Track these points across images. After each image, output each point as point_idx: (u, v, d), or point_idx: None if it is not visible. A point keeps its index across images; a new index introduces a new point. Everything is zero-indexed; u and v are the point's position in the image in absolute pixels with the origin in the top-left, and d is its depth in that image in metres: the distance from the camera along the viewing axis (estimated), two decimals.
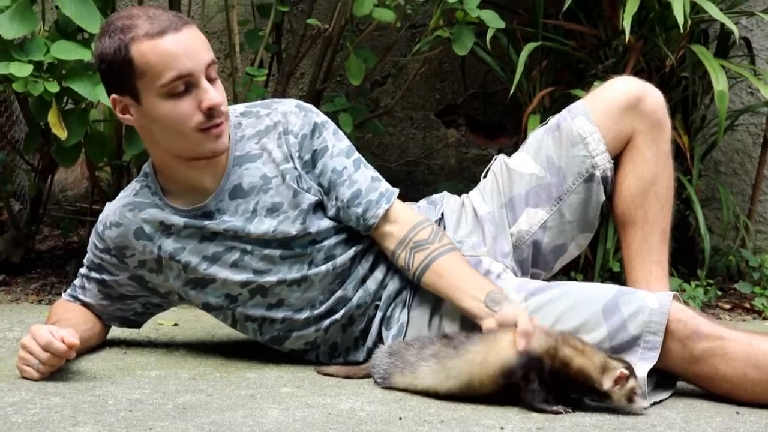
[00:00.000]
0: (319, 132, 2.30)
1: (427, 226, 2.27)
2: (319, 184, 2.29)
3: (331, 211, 2.30)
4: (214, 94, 2.15)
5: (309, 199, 2.27)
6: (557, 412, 1.94)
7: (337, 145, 2.31)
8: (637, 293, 2.11)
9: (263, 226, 2.26)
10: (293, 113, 2.31)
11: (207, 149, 2.20)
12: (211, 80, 2.17)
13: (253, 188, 2.28)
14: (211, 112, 2.16)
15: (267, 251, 2.27)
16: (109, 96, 2.22)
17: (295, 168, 2.28)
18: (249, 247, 2.27)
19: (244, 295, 2.29)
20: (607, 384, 1.94)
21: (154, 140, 2.24)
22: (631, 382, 1.94)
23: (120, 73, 2.16)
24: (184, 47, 2.13)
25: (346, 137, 2.36)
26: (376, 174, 2.35)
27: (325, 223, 2.29)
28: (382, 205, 2.27)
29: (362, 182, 2.29)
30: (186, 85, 2.14)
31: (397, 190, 2.33)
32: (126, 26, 2.14)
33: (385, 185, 2.32)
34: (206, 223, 2.27)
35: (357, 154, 2.34)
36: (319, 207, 2.30)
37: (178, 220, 2.27)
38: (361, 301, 2.30)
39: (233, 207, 2.28)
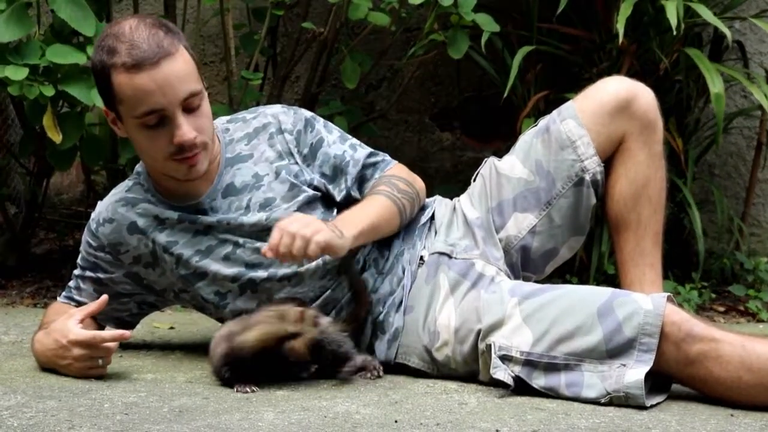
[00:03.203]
0: (311, 126, 2.38)
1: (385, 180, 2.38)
2: (323, 174, 2.35)
3: (341, 195, 2.37)
4: (186, 129, 2.17)
5: (306, 192, 2.31)
6: (246, 392, 2.10)
7: (330, 136, 2.39)
8: (631, 295, 2.11)
9: (255, 218, 2.29)
10: (283, 113, 2.38)
11: (179, 174, 2.26)
12: (191, 110, 2.19)
13: (246, 186, 2.31)
14: (182, 146, 2.19)
15: (259, 244, 2.28)
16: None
17: (296, 163, 2.33)
18: (241, 240, 2.29)
19: (234, 291, 2.30)
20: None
21: (137, 151, 2.32)
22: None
23: (105, 91, 2.23)
24: (159, 84, 2.15)
25: (336, 126, 2.46)
26: (368, 150, 2.43)
27: (316, 216, 2.31)
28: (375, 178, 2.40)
29: (362, 162, 2.39)
30: (160, 118, 2.18)
31: (391, 164, 2.43)
32: (111, 49, 2.17)
33: (379, 158, 2.42)
34: (200, 217, 2.29)
35: (349, 140, 2.43)
36: (316, 201, 2.33)
37: (172, 214, 2.30)
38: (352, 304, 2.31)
39: (226, 205, 2.30)
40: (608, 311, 2.07)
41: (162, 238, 2.31)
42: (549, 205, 2.37)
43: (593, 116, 2.35)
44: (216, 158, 2.33)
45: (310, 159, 2.36)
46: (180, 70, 2.17)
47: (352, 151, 2.39)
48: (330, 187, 2.36)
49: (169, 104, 2.16)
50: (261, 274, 2.29)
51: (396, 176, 2.40)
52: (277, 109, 2.41)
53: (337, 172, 2.36)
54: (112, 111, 2.24)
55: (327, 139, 2.38)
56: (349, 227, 2.18)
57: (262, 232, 2.28)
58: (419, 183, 2.44)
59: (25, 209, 3.66)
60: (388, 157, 2.45)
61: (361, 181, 2.39)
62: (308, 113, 2.41)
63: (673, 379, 2.10)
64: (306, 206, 2.31)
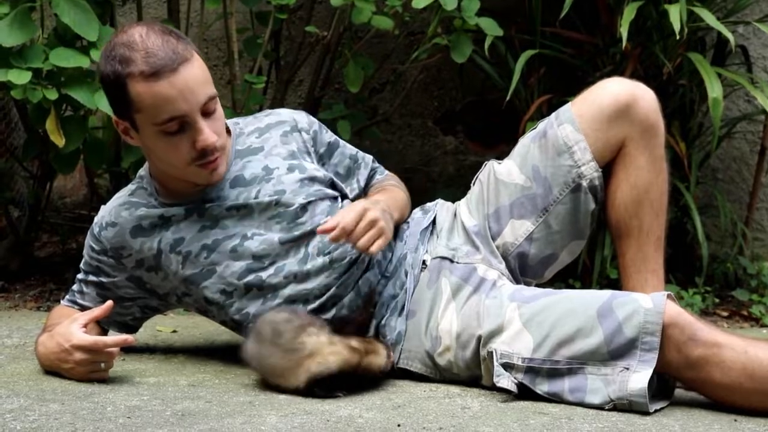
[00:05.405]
0: (324, 129, 2.48)
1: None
2: (336, 173, 2.44)
3: (353, 193, 2.47)
4: (208, 134, 2.19)
5: (316, 187, 2.35)
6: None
7: (341, 139, 2.52)
8: (630, 295, 2.10)
9: (266, 198, 2.31)
10: (298, 113, 2.47)
11: (201, 179, 2.28)
12: (209, 113, 2.21)
13: (255, 178, 2.33)
14: (204, 151, 2.21)
15: (267, 235, 2.28)
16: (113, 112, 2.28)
17: (312, 162, 2.39)
18: (249, 233, 2.29)
19: (239, 288, 2.30)
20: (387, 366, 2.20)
21: (152, 158, 2.32)
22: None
23: (119, 101, 2.21)
24: (179, 90, 2.15)
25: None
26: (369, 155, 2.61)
27: (322, 206, 2.34)
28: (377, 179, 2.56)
29: (371, 165, 2.55)
30: (181, 124, 2.18)
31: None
32: (124, 58, 2.15)
33: (377, 163, 2.59)
34: (207, 205, 2.31)
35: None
36: (326, 198, 2.35)
37: (179, 210, 2.31)
38: (353, 304, 2.30)
39: (234, 195, 2.32)
40: (608, 312, 2.07)
41: (169, 237, 2.31)
42: (546, 212, 2.36)
43: (591, 121, 2.31)
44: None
45: (326, 158, 2.43)
46: (197, 74, 2.18)
47: (361, 153, 2.53)
48: (343, 185, 2.44)
49: (190, 110, 2.16)
50: (268, 270, 2.28)
51: (397, 179, 2.60)
52: (289, 110, 2.50)
53: (350, 171, 2.48)
54: (126, 120, 2.23)
55: (340, 140, 2.50)
56: (392, 210, 2.33)
57: (270, 219, 2.29)
58: None
59: (28, 213, 3.66)
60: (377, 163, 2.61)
61: (368, 181, 2.53)
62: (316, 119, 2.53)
63: (675, 381, 2.10)
64: (318, 201, 2.33)
